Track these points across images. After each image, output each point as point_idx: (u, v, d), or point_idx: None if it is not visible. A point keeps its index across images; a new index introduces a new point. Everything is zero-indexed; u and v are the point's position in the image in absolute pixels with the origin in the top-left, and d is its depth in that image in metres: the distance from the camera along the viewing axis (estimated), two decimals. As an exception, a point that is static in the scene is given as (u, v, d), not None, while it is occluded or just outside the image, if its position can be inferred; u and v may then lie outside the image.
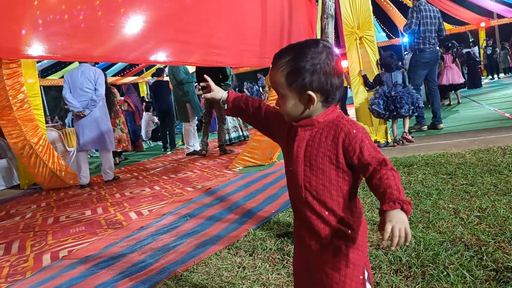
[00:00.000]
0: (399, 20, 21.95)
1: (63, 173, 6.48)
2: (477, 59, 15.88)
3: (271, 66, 1.25)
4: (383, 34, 22.91)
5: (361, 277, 1.22)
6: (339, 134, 1.16)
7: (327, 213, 1.19)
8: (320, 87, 1.17)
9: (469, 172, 3.46)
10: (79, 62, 6.19)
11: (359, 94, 5.38)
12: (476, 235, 2.27)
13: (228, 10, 3.48)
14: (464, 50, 16.48)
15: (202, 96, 2.00)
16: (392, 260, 2.13)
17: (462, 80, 10.35)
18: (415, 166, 3.95)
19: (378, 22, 22.33)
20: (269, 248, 2.53)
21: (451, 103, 10.27)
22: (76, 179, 6.51)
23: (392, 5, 21.22)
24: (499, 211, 2.55)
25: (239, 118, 8.03)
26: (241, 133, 8.43)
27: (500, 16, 22.80)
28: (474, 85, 14.72)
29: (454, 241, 2.25)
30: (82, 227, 3.72)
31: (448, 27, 22.64)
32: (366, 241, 1.26)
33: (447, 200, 2.91)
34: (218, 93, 1.58)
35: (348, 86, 12.70)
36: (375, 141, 5.40)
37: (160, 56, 3.17)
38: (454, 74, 10.12)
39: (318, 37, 8.42)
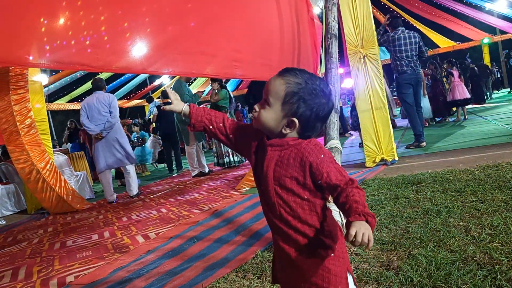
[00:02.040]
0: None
1: (70, 197, 6.49)
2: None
3: (277, 73, 1.28)
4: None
5: (344, 282, 1.27)
6: (306, 158, 1.20)
7: (302, 225, 1.24)
8: (306, 121, 1.24)
9: (479, 189, 3.42)
10: (93, 90, 6.66)
11: (364, 113, 5.37)
12: (488, 254, 2.23)
13: (250, 23, 3.51)
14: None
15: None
16: (403, 280, 2.09)
17: (468, 96, 10.36)
18: (423, 184, 3.91)
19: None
20: (277, 270, 2.49)
21: (460, 118, 10.24)
22: (82, 203, 6.54)
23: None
24: (511, 228, 2.51)
25: None
26: (236, 158, 8.32)
27: (503, 32, 22.86)
28: (478, 100, 14.72)
29: (466, 260, 2.20)
30: (89, 252, 3.70)
31: (451, 44, 22.77)
32: (345, 249, 1.31)
33: (457, 218, 2.87)
34: (178, 105, 1.53)
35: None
36: (382, 159, 5.37)
37: (175, 68, 3.17)
38: (462, 90, 10.15)
39: (323, 57, 8.49)
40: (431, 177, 4.13)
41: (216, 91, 8.22)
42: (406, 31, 6.68)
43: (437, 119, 10.81)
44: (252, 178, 5.13)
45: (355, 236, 1.06)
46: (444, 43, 22.74)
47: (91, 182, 8.82)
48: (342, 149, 2.82)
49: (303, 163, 1.21)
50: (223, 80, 9.75)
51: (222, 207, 4.38)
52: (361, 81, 5.27)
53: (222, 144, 8.10)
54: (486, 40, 22.47)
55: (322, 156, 1.20)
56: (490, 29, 23.06)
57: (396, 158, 5.43)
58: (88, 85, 15.97)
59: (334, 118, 2.83)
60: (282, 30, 3.67)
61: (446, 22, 21.25)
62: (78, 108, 16.44)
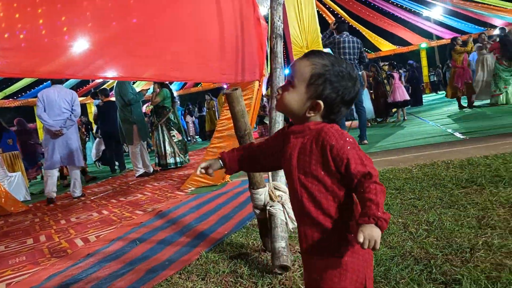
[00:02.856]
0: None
1: (3, 199, 6.12)
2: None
3: (303, 55, 1.25)
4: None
5: (359, 283, 1.20)
6: (327, 142, 1.15)
7: (324, 216, 1.19)
8: (331, 104, 1.21)
9: (416, 187, 3.55)
10: (53, 83, 6.52)
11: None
12: (425, 249, 2.31)
13: (187, 25, 3.43)
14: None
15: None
16: (345, 277, 2.12)
17: (408, 98, 10.81)
18: (365, 182, 4.01)
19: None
20: (222, 271, 2.46)
21: (399, 118, 10.65)
22: (17, 206, 6.19)
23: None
24: (445, 224, 2.62)
25: (174, 143, 7.97)
26: (178, 159, 8.20)
27: (439, 38, 24.06)
28: (417, 102, 15.43)
29: (405, 255, 2.27)
30: (23, 257, 3.50)
31: (392, 47, 23.71)
32: (370, 250, 1.20)
33: (396, 214, 2.96)
34: (215, 164, 1.52)
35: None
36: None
37: (114, 72, 3.06)
38: (402, 92, 10.57)
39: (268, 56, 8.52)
40: (372, 175, 4.24)
41: (157, 91, 8.06)
42: (350, 36, 6.96)
43: (379, 120, 11.19)
44: (198, 178, 5.08)
45: (361, 242, 1.04)
46: (385, 47, 23.61)
47: (26, 183, 8.38)
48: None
49: (324, 147, 1.16)
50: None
51: (167, 208, 4.29)
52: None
53: (164, 145, 7.95)
54: (424, 45, 23.57)
55: (342, 141, 1.15)
56: (428, 34, 24.21)
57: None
58: (25, 81, 15.14)
59: (278, 118, 2.84)
60: (223, 31, 3.63)
61: (387, 26, 22.10)
62: (12, 105, 15.66)
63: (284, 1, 4.20)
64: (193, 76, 3.69)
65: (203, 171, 1.51)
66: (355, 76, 1.24)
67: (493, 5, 19.02)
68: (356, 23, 21.58)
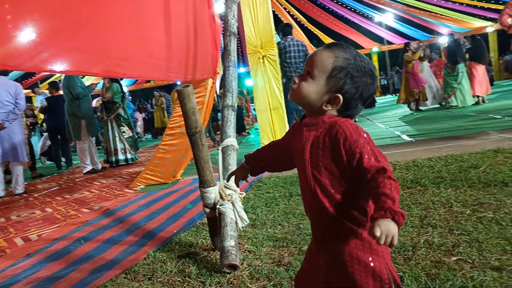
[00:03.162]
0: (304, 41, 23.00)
1: None
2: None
3: (324, 46, 1.22)
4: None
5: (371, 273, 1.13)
6: (340, 135, 1.12)
7: (336, 210, 1.15)
8: (349, 99, 1.19)
9: (364, 187, 3.64)
10: None
11: (261, 113, 5.48)
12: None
13: (130, 21, 3.34)
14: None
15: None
16: (293, 275, 2.13)
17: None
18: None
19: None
20: (169, 270, 2.42)
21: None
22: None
23: (298, 28, 22.24)
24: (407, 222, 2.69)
25: (125, 140, 7.80)
26: (128, 156, 8.03)
27: (390, 43, 24.87)
28: (369, 104, 15.86)
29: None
30: (-43, 257, 3.29)
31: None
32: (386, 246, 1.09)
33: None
34: (243, 170, 1.52)
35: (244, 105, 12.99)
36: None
37: (60, 66, 2.93)
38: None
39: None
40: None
41: (107, 86, 7.84)
42: (295, 39, 6.97)
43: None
44: (148, 176, 4.98)
45: (377, 236, 0.97)
46: (338, 49, 24.08)
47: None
48: (238, 147, 2.82)
49: (337, 140, 1.12)
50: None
51: (114, 206, 4.18)
52: (260, 81, 5.37)
53: (114, 141, 7.75)
54: (375, 49, 24.30)
55: (358, 135, 1.11)
56: (379, 39, 24.99)
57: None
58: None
59: (230, 116, 2.83)
60: (173, 28, 3.57)
61: (341, 30, 22.61)
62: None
63: (239, 0, 4.19)
64: (139, 73, 3.60)
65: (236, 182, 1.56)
66: (375, 73, 1.24)
67: (440, 14, 19.86)
68: (312, 26, 21.93)
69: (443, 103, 10.78)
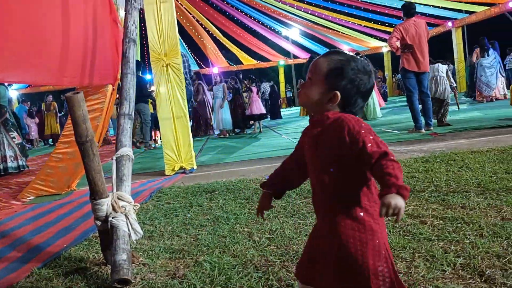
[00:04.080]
0: (210, 52, 23.15)
1: None
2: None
3: (322, 55, 1.38)
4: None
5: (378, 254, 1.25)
6: (344, 128, 1.24)
7: (344, 196, 1.27)
8: (347, 96, 1.32)
9: (264, 196, 3.71)
10: None
11: (165, 122, 5.38)
12: (265, 256, 2.41)
13: (22, 23, 3.10)
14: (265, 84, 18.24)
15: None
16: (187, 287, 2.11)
17: (264, 111, 11.38)
18: (217, 192, 4.08)
19: (190, 52, 23.19)
20: (55, 288, 2.26)
21: (256, 131, 11.12)
22: None
23: (204, 37, 22.31)
24: (286, 232, 2.77)
25: (15, 146, 7.25)
26: (20, 163, 7.44)
27: (295, 57, 25.87)
28: (275, 116, 16.36)
29: (246, 263, 2.34)
30: None
31: (253, 62, 24.79)
32: (383, 222, 1.30)
33: (243, 224, 3.06)
34: (266, 199, 1.61)
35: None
36: (181, 168, 5.45)
37: None
38: (259, 105, 11.09)
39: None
40: (225, 185, 4.34)
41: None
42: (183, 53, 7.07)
43: (237, 131, 11.55)
44: (39, 186, 4.64)
45: (385, 210, 1.10)
46: (247, 61, 24.61)
47: None
48: (133, 158, 2.73)
49: (342, 131, 1.24)
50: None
51: (-2, 220, 3.83)
52: (163, 89, 5.27)
53: (3, 147, 7.13)
54: (282, 62, 25.15)
55: (358, 127, 1.23)
56: (286, 53, 25.90)
57: (195, 167, 5.58)
58: None
59: (127, 125, 2.73)
60: (68, 31, 3.37)
61: (249, 42, 23.09)
62: None
63: (141, 7, 4.10)
64: (26, 78, 3.35)
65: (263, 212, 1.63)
66: (369, 70, 1.36)
67: (342, 32, 21.11)
68: (222, 37, 22.13)
69: (359, 115, 11.44)
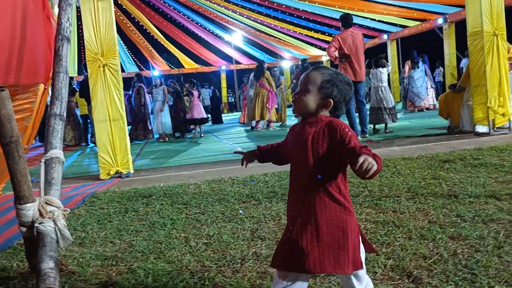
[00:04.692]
0: (150, 54, 22.77)
1: None
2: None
3: (312, 69, 1.67)
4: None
5: (356, 234, 1.55)
6: (335, 128, 1.54)
7: (328, 182, 1.55)
8: (337, 102, 1.63)
9: (202, 202, 3.68)
10: None
11: (100, 124, 5.19)
12: (201, 262, 2.38)
13: None
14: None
15: None
16: (118, 297, 2.03)
17: (205, 115, 11.31)
18: (154, 197, 3.99)
19: (129, 53, 22.67)
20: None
21: (196, 135, 11.02)
22: None
23: (144, 40, 21.90)
24: (223, 237, 2.76)
25: None
26: None
27: (238, 62, 25.99)
28: (219, 121, 16.34)
29: (182, 269, 2.30)
30: None
31: (194, 66, 24.65)
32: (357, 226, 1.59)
33: (180, 229, 3.00)
34: (252, 155, 1.94)
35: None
36: (117, 172, 5.27)
37: None
38: (200, 109, 11.00)
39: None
40: (162, 190, 4.25)
41: None
42: None
43: (177, 135, 11.39)
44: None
45: (362, 163, 1.35)
46: (189, 64, 24.41)
47: None
48: (64, 160, 2.60)
49: (335, 130, 1.53)
50: None
51: None
52: (100, 90, 5.08)
53: None
54: (224, 68, 25.17)
55: (346, 129, 1.53)
56: (228, 58, 25.96)
57: (132, 171, 5.42)
58: None
59: (58, 126, 2.60)
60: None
61: (191, 46, 22.92)
62: None
63: (76, 4, 3.94)
64: None
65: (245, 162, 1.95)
66: (351, 82, 1.69)
67: (284, 40, 21.47)
68: (164, 39, 21.81)
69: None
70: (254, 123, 11.39)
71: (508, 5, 6.96)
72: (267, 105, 11.09)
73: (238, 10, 17.55)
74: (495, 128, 6.27)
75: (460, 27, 7.56)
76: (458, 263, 2.10)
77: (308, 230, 1.51)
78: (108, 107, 5.07)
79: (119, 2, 17.06)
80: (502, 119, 6.25)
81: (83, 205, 3.90)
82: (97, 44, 5.03)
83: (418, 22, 17.13)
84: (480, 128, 6.34)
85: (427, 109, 12.98)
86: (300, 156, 1.62)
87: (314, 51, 22.40)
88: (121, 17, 19.10)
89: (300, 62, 12.71)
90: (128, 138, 5.37)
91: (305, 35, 19.95)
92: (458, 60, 15.59)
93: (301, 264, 1.47)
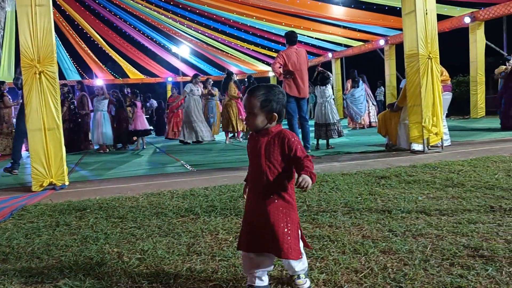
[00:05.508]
0: (94, 63, 22.19)
1: None
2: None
3: (249, 93, 1.96)
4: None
5: (296, 225, 1.98)
6: (284, 139, 1.90)
7: (277, 184, 1.93)
8: (279, 112, 1.95)
9: (139, 215, 3.58)
10: None
11: (34, 133, 4.95)
12: (133, 277, 2.30)
13: None
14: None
15: None
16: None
17: (149, 127, 11.10)
18: (88, 210, 3.84)
19: (72, 62, 22.01)
20: None
21: (139, 147, 10.77)
22: None
23: (88, 49, 21.35)
24: (158, 252, 2.69)
25: None
26: None
27: (184, 74, 25.81)
28: (161, 132, 16.09)
29: (111, 286, 2.21)
30: None
31: (140, 76, 24.25)
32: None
33: (114, 244, 2.90)
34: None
35: None
36: (51, 184, 5.04)
37: None
38: (143, 121, 10.80)
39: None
40: (98, 203, 4.10)
41: None
42: None
43: (119, 146, 11.09)
44: None
45: (301, 182, 1.78)
46: (134, 75, 23.96)
47: None
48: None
49: (283, 141, 1.89)
50: None
51: None
52: (35, 98, 4.85)
53: None
54: (170, 79, 24.92)
55: (293, 139, 1.90)
56: (175, 70, 25.74)
57: (67, 183, 5.20)
58: None
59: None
60: None
61: (135, 57, 22.57)
62: None
63: (10, 9, 3.77)
64: None
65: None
66: (281, 89, 1.99)
67: (231, 54, 21.62)
68: (108, 48, 21.33)
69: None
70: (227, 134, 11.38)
71: (439, 31, 7.40)
72: (239, 116, 11.10)
73: (185, 23, 17.51)
74: (429, 146, 6.60)
75: (400, 49, 7.96)
76: (387, 277, 2.16)
77: (264, 224, 1.91)
78: (43, 116, 4.85)
79: (62, 8, 16.54)
80: (435, 138, 6.59)
81: (10, 219, 3.69)
82: (33, 50, 4.82)
83: (361, 43, 17.87)
84: (416, 146, 6.67)
85: (369, 126, 13.49)
86: (256, 161, 1.97)
87: (261, 66, 22.71)
88: (63, 23, 18.50)
89: (246, 78, 12.79)
90: (64, 148, 5.15)
91: (252, 50, 20.21)
92: (398, 81, 16.37)
93: (257, 248, 1.95)
